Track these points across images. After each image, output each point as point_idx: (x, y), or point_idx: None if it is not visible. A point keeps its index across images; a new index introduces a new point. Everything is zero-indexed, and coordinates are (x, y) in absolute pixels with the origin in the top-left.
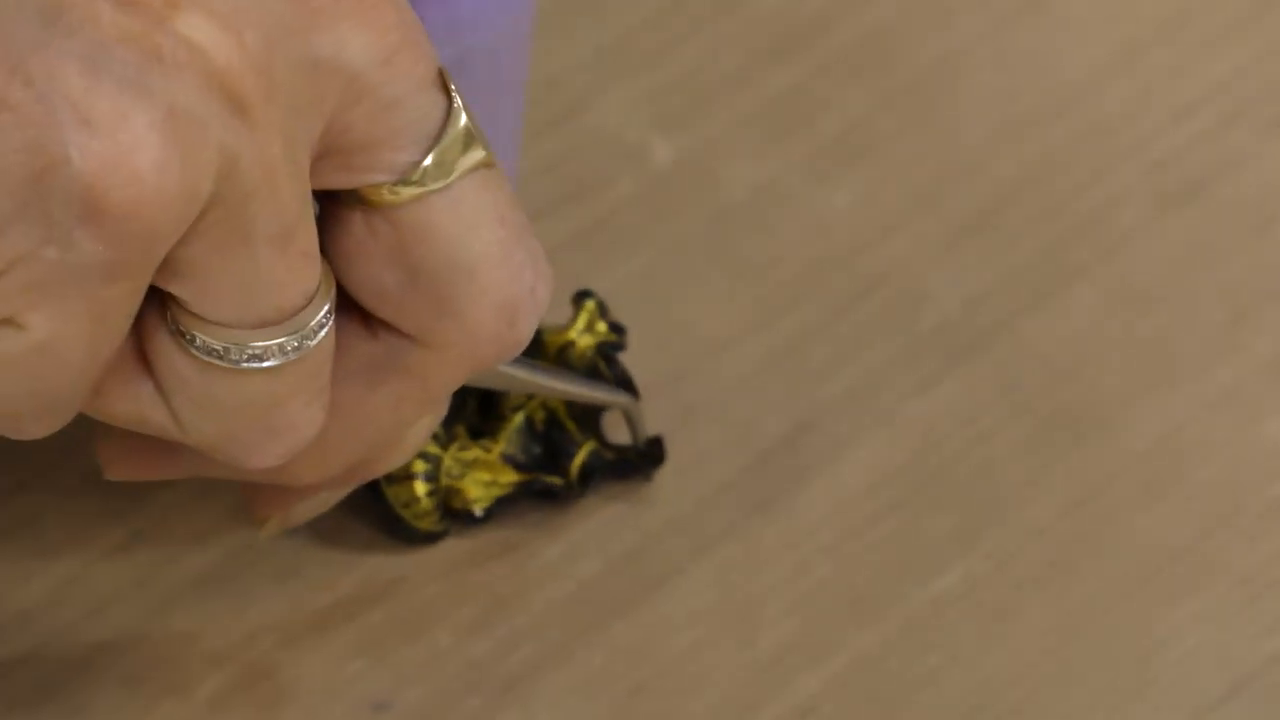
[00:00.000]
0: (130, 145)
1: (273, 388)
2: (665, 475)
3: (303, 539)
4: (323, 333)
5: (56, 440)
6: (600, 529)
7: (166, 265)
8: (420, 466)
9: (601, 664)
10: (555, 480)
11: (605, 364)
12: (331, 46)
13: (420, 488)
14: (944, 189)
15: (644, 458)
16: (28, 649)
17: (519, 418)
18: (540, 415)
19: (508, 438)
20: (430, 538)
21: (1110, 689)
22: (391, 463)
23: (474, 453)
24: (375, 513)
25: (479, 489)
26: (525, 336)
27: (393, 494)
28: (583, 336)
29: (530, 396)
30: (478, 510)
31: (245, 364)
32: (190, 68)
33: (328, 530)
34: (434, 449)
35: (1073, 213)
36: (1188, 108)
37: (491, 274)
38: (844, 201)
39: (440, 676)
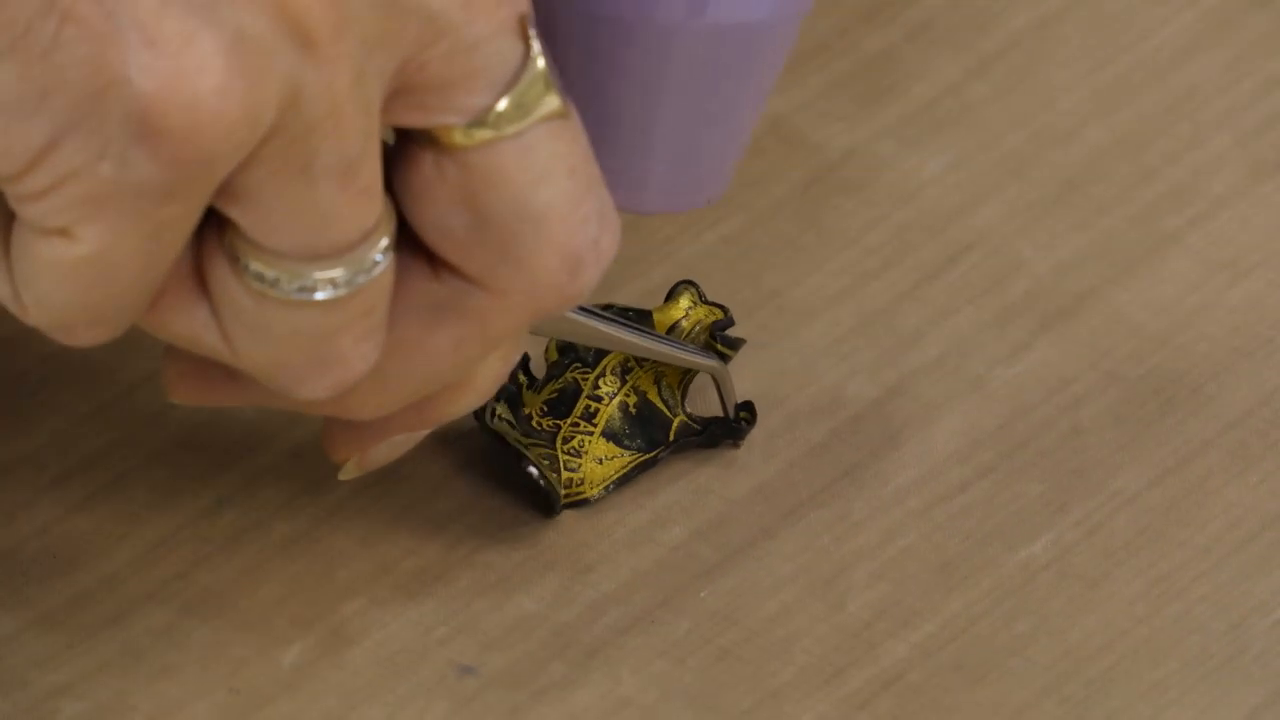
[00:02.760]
0: (193, 69)
1: (324, 321)
2: (753, 441)
3: (389, 505)
4: (377, 270)
5: (145, 406)
6: (687, 495)
7: (225, 189)
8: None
9: (688, 629)
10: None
11: (716, 341)
12: None
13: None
14: (1036, 155)
15: (736, 421)
16: (115, 612)
17: (614, 404)
18: (633, 399)
19: (604, 421)
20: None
21: (1200, 657)
22: (464, 405)
23: (577, 438)
24: (521, 490)
25: (598, 470)
26: (587, 287)
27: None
28: (689, 315)
29: (621, 384)
30: (597, 494)
31: (296, 295)
32: None
33: (415, 497)
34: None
35: (1164, 180)
36: None
37: (557, 224)
38: (935, 167)
39: (526, 642)
